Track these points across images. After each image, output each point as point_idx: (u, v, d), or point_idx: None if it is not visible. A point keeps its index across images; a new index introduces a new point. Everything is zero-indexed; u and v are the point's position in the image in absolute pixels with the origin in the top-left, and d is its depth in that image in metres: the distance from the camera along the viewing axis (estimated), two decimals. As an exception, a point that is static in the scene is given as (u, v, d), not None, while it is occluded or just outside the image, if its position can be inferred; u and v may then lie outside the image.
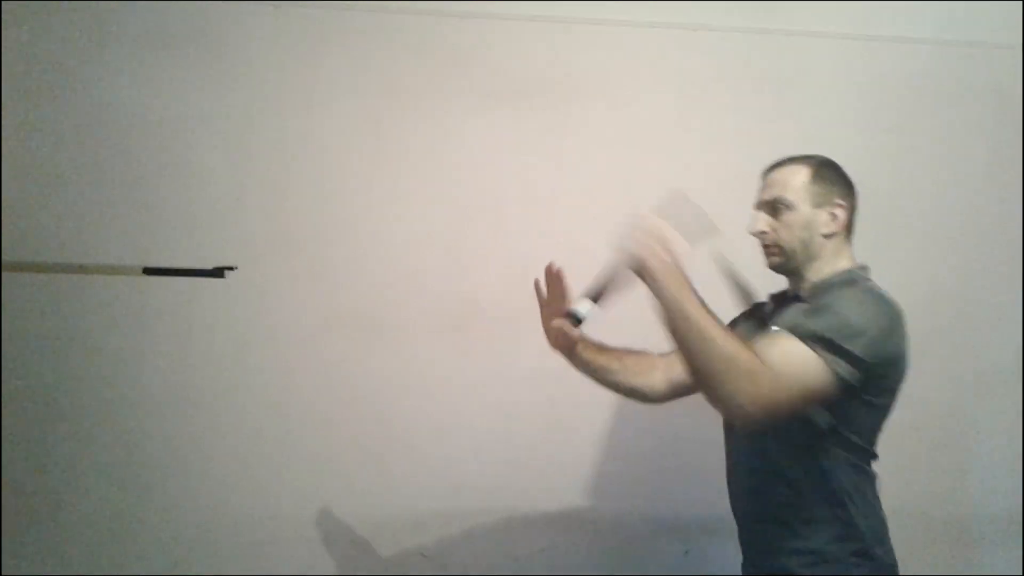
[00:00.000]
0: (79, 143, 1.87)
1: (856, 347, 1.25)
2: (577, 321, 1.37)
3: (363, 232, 1.91)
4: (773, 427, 1.34)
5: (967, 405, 2.00)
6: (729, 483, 1.51)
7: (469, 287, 1.91)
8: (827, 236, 1.42)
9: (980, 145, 2.02)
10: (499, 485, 1.91)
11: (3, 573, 1.80)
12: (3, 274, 1.83)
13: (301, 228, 1.90)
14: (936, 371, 1.97)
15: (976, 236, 2.01)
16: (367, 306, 1.90)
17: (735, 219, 1.93)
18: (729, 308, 1.61)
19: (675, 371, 1.58)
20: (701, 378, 1.24)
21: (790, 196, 1.42)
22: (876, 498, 1.38)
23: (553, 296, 1.52)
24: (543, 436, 1.90)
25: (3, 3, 1.85)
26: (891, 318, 1.33)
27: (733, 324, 1.58)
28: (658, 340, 1.61)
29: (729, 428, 1.50)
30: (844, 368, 1.24)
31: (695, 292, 1.26)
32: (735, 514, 1.49)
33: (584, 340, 1.54)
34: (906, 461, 1.89)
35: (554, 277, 1.51)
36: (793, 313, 1.38)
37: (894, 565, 1.37)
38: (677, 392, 1.60)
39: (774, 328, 1.33)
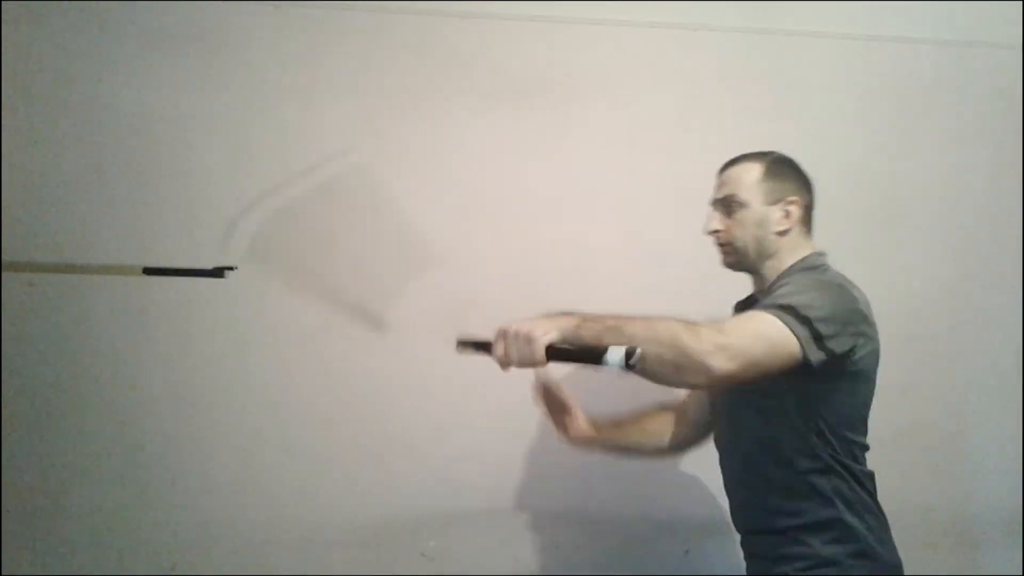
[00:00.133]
0: (79, 143, 1.87)
1: (812, 313, 1.23)
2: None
3: (363, 232, 1.91)
4: (758, 436, 1.35)
5: (967, 405, 1.99)
6: (727, 496, 1.51)
7: (469, 287, 1.91)
8: (780, 233, 1.41)
9: (980, 145, 2.02)
10: (499, 485, 1.91)
11: (3, 573, 1.80)
12: (3, 274, 1.83)
13: (301, 228, 1.90)
14: (936, 371, 1.97)
15: (976, 236, 2.01)
16: (367, 306, 1.90)
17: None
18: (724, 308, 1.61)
19: (693, 412, 1.60)
20: (661, 367, 1.18)
21: (743, 194, 1.41)
22: (872, 496, 1.38)
23: (551, 397, 1.58)
24: (543, 436, 1.90)
25: (3, 3, 1.85)
26: (842, 290, 1.32)
27: None
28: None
29: (719, 442, 1.51)
30: (802, 330, 1.21)
31: (587, 319, 1.22)
32: (735, 525, 1.49)
33: (595, 426, 1.58)
34: (906, 461, 1.89)
35: (544, 387, 1.58)
36: None
37: (898, 564, 1.36)
38: (701, 432, 1.61)
39: None
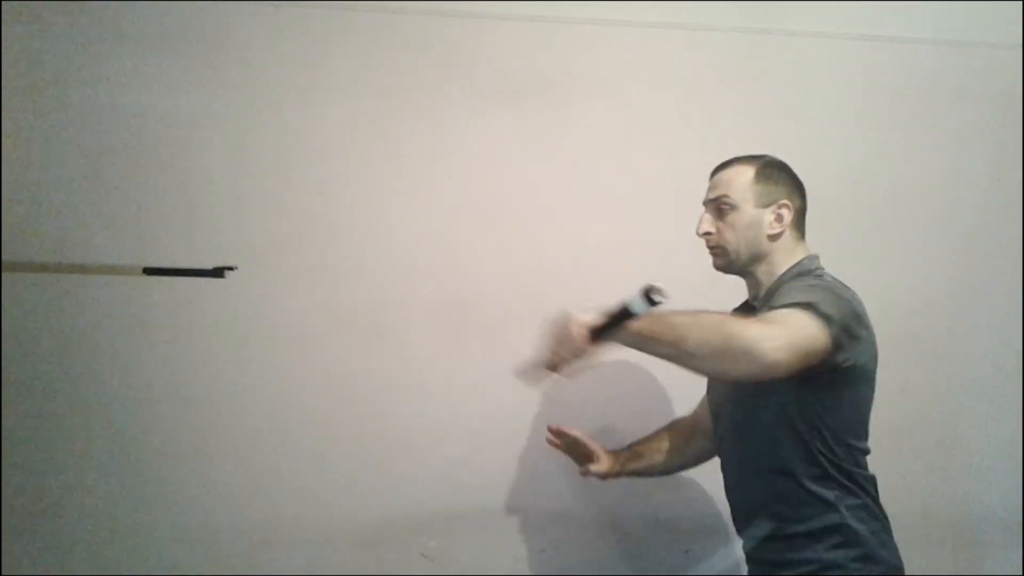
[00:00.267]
0: (79, 143, 1.87)
1: (830, 309, 1.24)
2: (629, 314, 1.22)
3: (363, 232, 1.91)
4: (760, 442, 1.35)
5: (967, 405, 1.99)
6: (729, 500, 1.51)
7: (469, 287, 1.91)
8: (772, 237, 1.41)
9: (980, 145, 2.02)
10: (499, 485, 1.91)
11: (3, 573, 1.80)
12: (3, 274, 1.83)
13: (301, 228, 1.90)
14: (936, 371, 1.97)
15: (976, 236, 2.01)
16: (367, 306, 1.90)
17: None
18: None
19: (704, 422, 1.61)
20: (707, 353, 1.17)
21: (734, 196, 1.41)
22: (874, 499, 1.38)
23: (571, 445, 1.65)
24: (543, 436, 1.90)
25: (3, 3, 1.85)
26: (839, 293, 1.32)
27: None
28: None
29: (721, 447, 1.51)
30: (830, 327, 1.22)
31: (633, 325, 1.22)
32: (737, 530, 1.49)
33: (617, 459, 1.63)
34: (906, 461, 1.89)
35: (557, 435, 1.66)
36: None
37: (900, 567, 1.37)
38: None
39: None
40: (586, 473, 1.64)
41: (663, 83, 1.98)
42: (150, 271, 1.86)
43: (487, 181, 1.93)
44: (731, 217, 1.41)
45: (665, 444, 1.62)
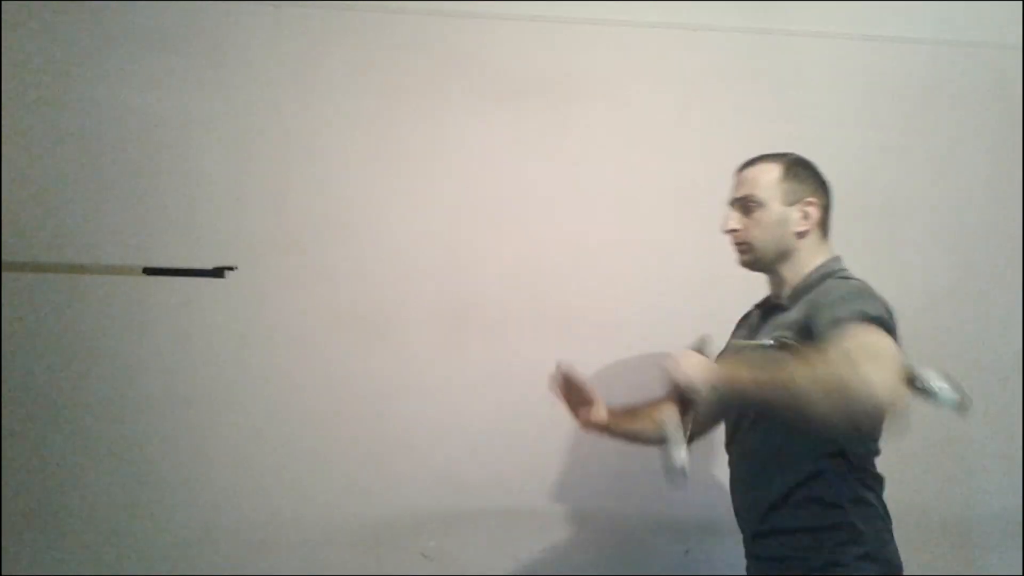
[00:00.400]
0: (79, 143, 1.87)
1: (882, 314, 1.25)
2: (684, 474, 1.32)
3: (363, 232, 1.91)
4: (773, 440, 1.35)
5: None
6: (733, 498, 1.51)
7: (469, 287, 1.91)
8: (799, 235, 1.41)
9: (980, 145, 2.02)
10: (499, 485, 1.91)
11: (3, 573, 1.80)
12: (3, 274, 1.83)
13: (301, 228, 1.90)
14: (936, 371, 1.97)
15: (976, 236, 2.01)
16: (367, 306, 1.90)
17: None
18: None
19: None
20: (825, 412, 1.15)
21: (760, 194, 1.41)
22: (880, 500, 1.38)
23: (572, 389, 1.57)
24: (543, 436, 1.90)
25: (3, 3, 1.85)
26: (877, 297, 1.32)
27: (737, 327, 1.59)
28: (665, 350, 1.64)
29: (728, 441, 1.50)
30: (887, 327, 1.24)
31: (745, 371, 1.26)
32: (741, 526, 1.49)
33: (612, 414, 1.59)
34: (906, 461, 1.89)
35: (564, 378, 1.57)
36: (778, 324, 1.38)
37: (900, 566, 1.37)
38: (712, 422, 1.61)
39: (766, 342, 1.32)
40: (587, 422, 1.58)
41: (663, 83, 1.98)
42: (150, 271, 1.86)
43: (487, 181, 1.93)
44: (758, 214, 1.42)
45: (657, 415, 1.60)
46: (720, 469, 1.53)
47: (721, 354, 1.40)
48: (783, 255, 1.42)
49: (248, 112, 1.90)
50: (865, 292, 1.32)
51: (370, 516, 1.89)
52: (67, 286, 1.85)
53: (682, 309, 1.92)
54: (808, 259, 1.42)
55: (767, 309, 1.47)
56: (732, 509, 1.51)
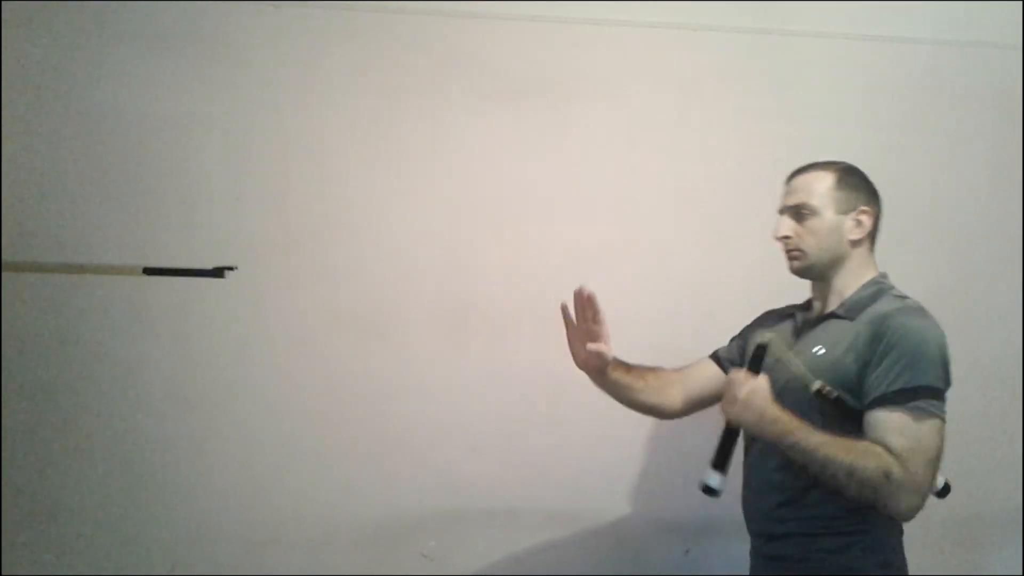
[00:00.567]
0: (79, 143, 1.87)
1: (938, 380, 1.31)
2: (713, 494, 1.37)
3: (363, 232, 1.91)
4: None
5: (967, 405, 1.99)
6: (746, 498, 1.50)
7: (469, 287, 1.91)
8: (854, 243, 1.42)
9: (980, 145, 2.02)
10: (499, 485, 1.91)
11: (3, 573, 1.80)
12: (3, 274, 1.83)
13: (301, 228, 1.90)
14: (936, 371, 1.97)
15: (976, 236, 2.01)
16: (367, 306, 1.90)
17: (735, 218, 1.94)
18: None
19: (689, 387, 1.60)
20: (847, 496, 1.28)
21: (814, 202, 1.42)
22: None
23: (583, 319, 1.50)
24: (543, 436, 1.90)
25: (3, 3, 1.85)
26: (937, 327, 1.36)
27: (759, 323, 1.59)
28: (671, 352, 1.64)
29: (749, 444, 1.50)
30: (941, 407, 1.30)
31: (796, 425, 1.29)
32: (752, 526, 1.48)
33: (614, 361, 1.55)
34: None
35: (585, 301, 1.48)
36: (834, 334, 1.38)
37: (907, 574, 1.40)
38: (693, 407, 1.62)
39: (869, 409, 1.33)
40: (596, 348, 1.50)
41: (663, 83, 1.98)
42: (150, 271, 1.86)
43: (487, 181, 1.93)
44: (811, 222, 1.42)
45: (649, 377, 1.59)
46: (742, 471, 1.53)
47: (758, 354, 1.39)
48: (835, 263, 1.43)
49: (248, 112, 1.90)
50: (925, 334, 1.33)
51: (370, 516, 1.89)
52: (67, 286, 1.85)
53: (682, 309, 1.92)
54: (859, 269, 1.44)
55: (821, 316, 1.46)
56: (732, 509, 1.51)
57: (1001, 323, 2.01)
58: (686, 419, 1.68)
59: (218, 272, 1.87)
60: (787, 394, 1.35)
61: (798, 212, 1.43)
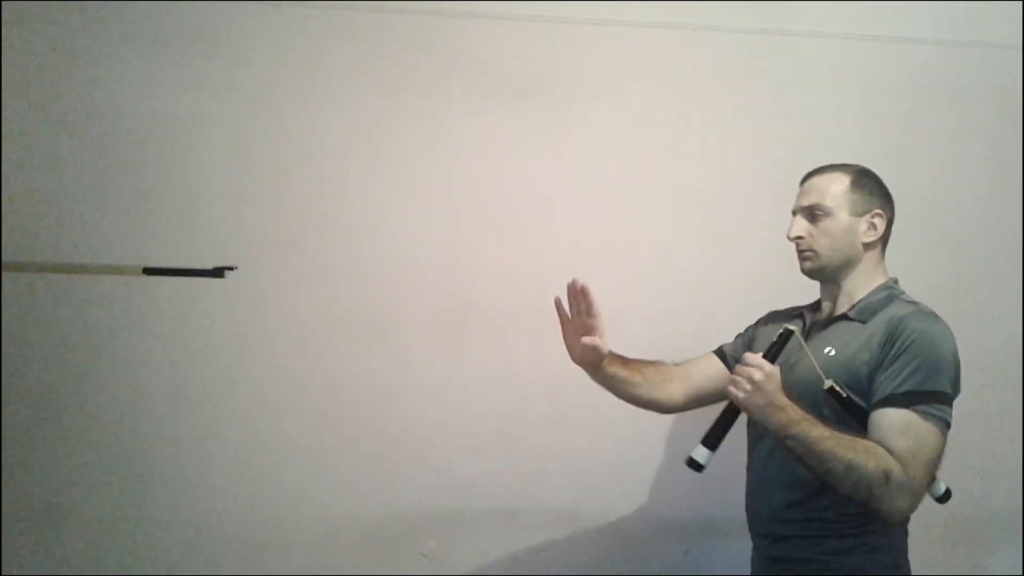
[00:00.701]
0: (79, 143, 1.87)
1: (947, 385, 1.31)
2: (698, 468, 1.35)
3: (363, 232, 1.91)
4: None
5: (967, 405, 1.99)
6: (751, 499, 1.50)
7: (469, 287, 1.91)
8: (867, 246, 1.43)
9: (980, 145, 2.02)
10: (499, 485, 1.91)
11: (3, 573, 1.80)
12: (3, 274, 1.83)
13: (301, 228, 1.90)
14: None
15: (976, 236, 2.01)
16: (367, 306, 1.90)
17: (735, 218, 1.94)
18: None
19: (691, 382, 1.60)
20: (841, 492, 1.27)
21: (829, 203, 1.42)
22: None
23: (578, 312, 1.51)
24: (543, 436, 1.90)
25: (3, 3, 1.85)
26: (949, 333, 1.36)
27: (764, 323, 1.59)
28: (671, 352, 1.64)
29: (753, 441, 1.50)
30: (947, 411, 1.30)
31: (800, 417, 1.28)
32: (755, 527, 1.48)
33: (610, 355, 1.55)
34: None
35: (579, 293, 1.49)
36: (846, 336, 1.38)
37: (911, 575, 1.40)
38: (692, 403, 1.61)
39: (875, 406, 1.32)
40: (591, 342, 1.51)
41: (663, 83, 1.98)
42: (150, 271, 1.86)
43: (487, 181, 1.93)
44: (825, 224, 1.42)
45: (648, 371, 1.59)
46: (719, 470, 1.53)
47: (780, 342, 1.39)
48: (847, 265, 1.43)
49: (248, 112, 1.90)
50: (936, 339, 1.34)
51: (370, 516, 1.89)
52: (67, 286, 1.85)
53: (682, 309, 1.92)
54: (870, 272, 1.44)
55: (832, 318, 1.46)
56: (732, 509, 1.51)
57: (1001, 323, 2.01)
58: (687, 420, 1.68)
59: (218, 272, 1.87)
60: (797, 388, 1.34)
61: (812, 213, 1.43)
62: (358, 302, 1.90)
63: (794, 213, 1.47)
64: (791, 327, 1.39)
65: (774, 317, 1.58)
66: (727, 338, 1.64)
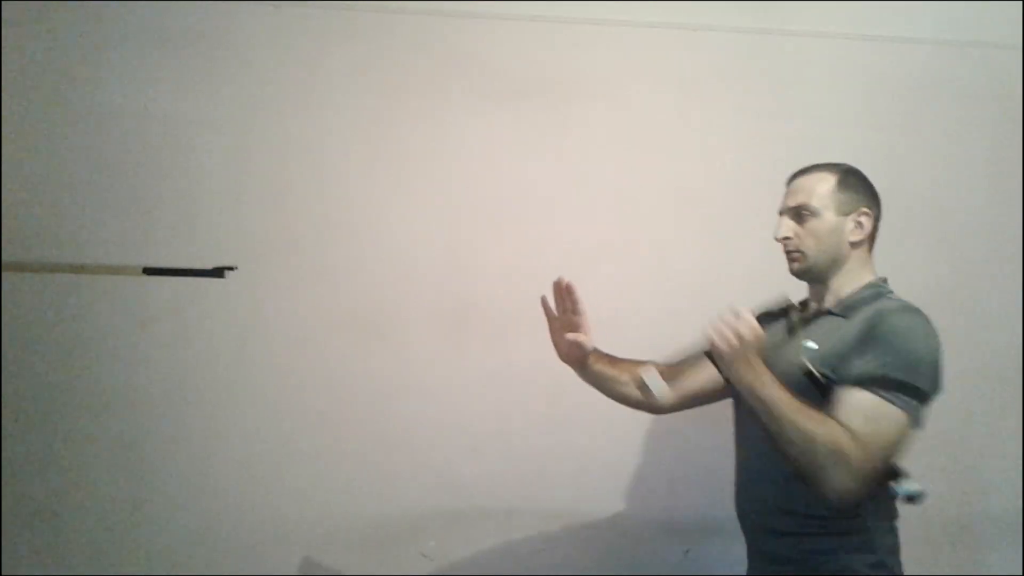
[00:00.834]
0: (79, 143, 1.87)
1: (920, 380, 1.29)
2: (646, 389, 1.37)
3: (363, 232, 1.91)
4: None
5: (967, 405, 1.99)
6: (740, 496, 1.50)
7: (468, 287, 1.92)
8: (854, 245, 1.42)
9: (980, 145, 2.02)
10: (499, 485, 1.91)
11: (3, 573, 1.80)
12: (3, 274, 1.83)
13: (301, 228, 1.90)
14: (936, 371, 1.97)
15: (976, 236, 2.01)
16: (367, 306, 1.90)
17: (735, 218, 1.94)
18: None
19: (684, 384, 1.59)
20: (793, 463, 1.26)
21: (815, 203, 1.42)
22: (894, 510, 1.39)
23: (563, 310, 1.52)
24: (542, 436, 1.90)
25: (3, 3, 1.85)
26: (934, 334, 1.35)
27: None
28: (666, 350, 1.64)
29: (740, 438, 1.50)
30: (916, 407, 1.28)
31: (770, 380, 1.28)
32: (745, 524, 1.48)
33: (596, 353, 1.55)
34: (906, 461, 1.89)
35: (564, 291, 1.50)
36: (828, 330, 1.38)
37: (902, 575, 1.38)
38: (684, 403, 1.61)
39: (846, 385, 1.31)
40: (575, 338, 1.52)
41: (663, 83, 1.98)
42: (150, 271, 1.87)
43: (487, 181, 1.94)
44: (812, 224, 1.42)
45: (637, 372, 1.59)
46: (719, 470, 1.53)
47: (775, 310, 1.40)
48: (834, 264, 1.43)
49: (248, 112, 1.90)
50: (917, 335, 1.33)
51: (370, 516, 1.89)
52: (67, 286, 1.85)
53: (682, 309, 1.91)
54: (857, 270, 1.44)
55: (816, 313, 1.46)
56: (733, 509, 1.51)
57: (1001, 323, 2.01)
58: (687, 420, 1.69)
59: (218, 272, 1.87)
60: (776, 366, 1.35)
61: (799, 213, 1.43)
62: (358, 302, 1.90)
63: (781, 214, 1.47)
64: (788, 299, 1.40)
65: (762, 318, 1.58)
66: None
